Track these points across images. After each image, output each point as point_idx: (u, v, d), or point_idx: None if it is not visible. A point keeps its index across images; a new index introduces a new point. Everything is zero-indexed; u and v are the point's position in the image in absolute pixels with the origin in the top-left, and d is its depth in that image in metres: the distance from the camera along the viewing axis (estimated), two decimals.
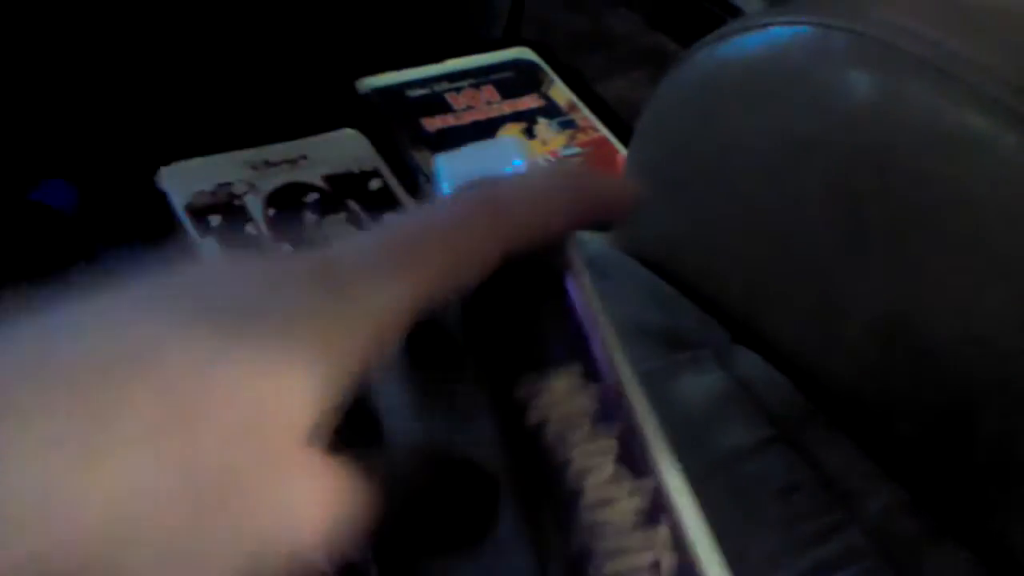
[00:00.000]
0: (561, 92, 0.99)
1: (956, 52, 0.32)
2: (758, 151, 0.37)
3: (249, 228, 0.79)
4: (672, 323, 0.41)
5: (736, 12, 1.08)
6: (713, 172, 0.40)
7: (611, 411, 0.21)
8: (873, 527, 0.34)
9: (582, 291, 0.23)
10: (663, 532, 0.19)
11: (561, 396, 0.21)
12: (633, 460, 0.20)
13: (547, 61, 1.03)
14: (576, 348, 0.22)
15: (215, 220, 0.79)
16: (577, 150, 0.93)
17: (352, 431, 0.21)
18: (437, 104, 0.95)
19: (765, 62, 0.36)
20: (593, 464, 0.20)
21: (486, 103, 0.96)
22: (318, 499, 0.19)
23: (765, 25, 0.36)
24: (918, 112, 0.32)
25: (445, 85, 0.97)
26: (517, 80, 1.00)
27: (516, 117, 0.95)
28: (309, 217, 0.81)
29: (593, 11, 1.15)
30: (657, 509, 0.20)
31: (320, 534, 0.19)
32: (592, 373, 0.21)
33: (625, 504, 0.20)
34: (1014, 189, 0.31)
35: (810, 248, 0.37)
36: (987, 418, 0.33)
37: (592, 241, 0.47)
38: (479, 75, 1.00)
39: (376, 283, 0.20)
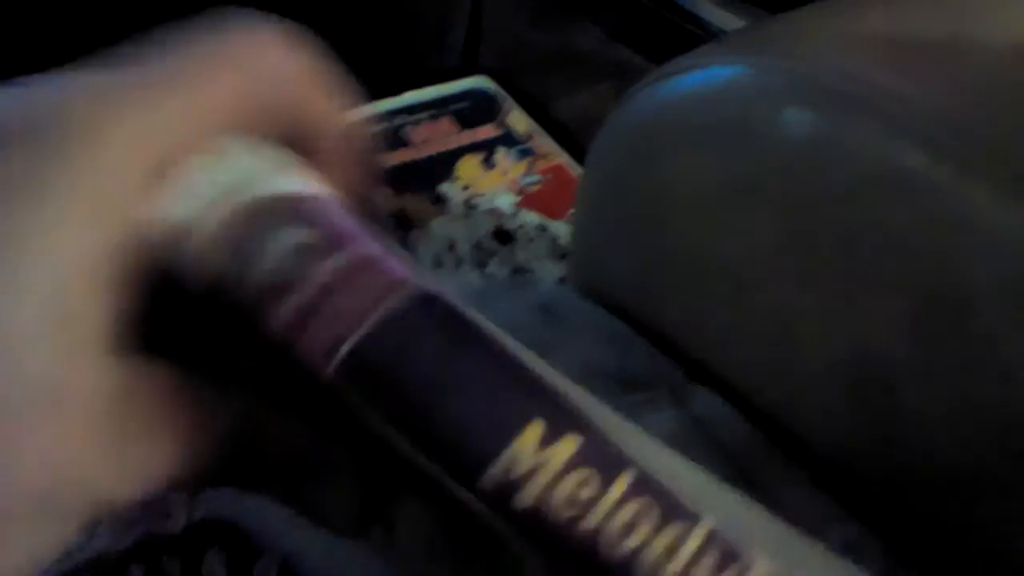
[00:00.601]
0: (519, 120, 0.99)
1: (890, 90, 0.32)
2: (702, 191, 0.37)
3: None
4: (626, 364, 0.41)
5: (697, 22, 1.08)
6: (660, 212, 0.40)
7: (610, 460, 0.19)
8: None
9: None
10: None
11: (541, 461, 0.19)
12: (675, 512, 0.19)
13: (505, 88, 1.03)
14: (532, 401, 0.20)
15: None
16: (537, 177, 0.93)
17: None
18: (395, 139, 0.95)
19: (704, 103, 0.36)
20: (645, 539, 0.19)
21: (444, 135, 0.96)
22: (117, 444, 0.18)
23: (703, 65, 0.36)
24: (853, 150, 0.32)
25: (402, 119, 0.97)
26: (475, 110, 1.00)
27: (474, 148, 0.95)
28: None
29: (556, 28, 1.15)
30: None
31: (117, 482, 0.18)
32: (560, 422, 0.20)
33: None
34: (947, 224, 0.31)
35: (760, 287, 0.36)
36: (952, 453, 0.33)
37: (544, 283, 0.47)
38: (437, 107, 0.99)
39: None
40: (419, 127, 0.97)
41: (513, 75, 1.07)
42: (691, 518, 0.19)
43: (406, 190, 0.89)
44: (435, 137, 0.96)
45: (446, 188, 0.90)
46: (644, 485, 0.19)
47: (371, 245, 0.20)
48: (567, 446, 0.19)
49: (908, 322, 0.31)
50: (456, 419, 0.19)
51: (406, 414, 0.19)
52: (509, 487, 0.19)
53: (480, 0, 1.07)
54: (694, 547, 0.19)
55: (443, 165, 0.93)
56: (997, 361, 0.29)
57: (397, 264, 0.20)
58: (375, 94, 0.99)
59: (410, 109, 0.98)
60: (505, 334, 0.21)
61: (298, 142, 0.22)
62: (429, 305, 0.20)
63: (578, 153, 0.96)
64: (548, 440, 0.19)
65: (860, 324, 0.33)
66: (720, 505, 0.21)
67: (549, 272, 0.82)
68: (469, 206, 0.89)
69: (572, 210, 0.87)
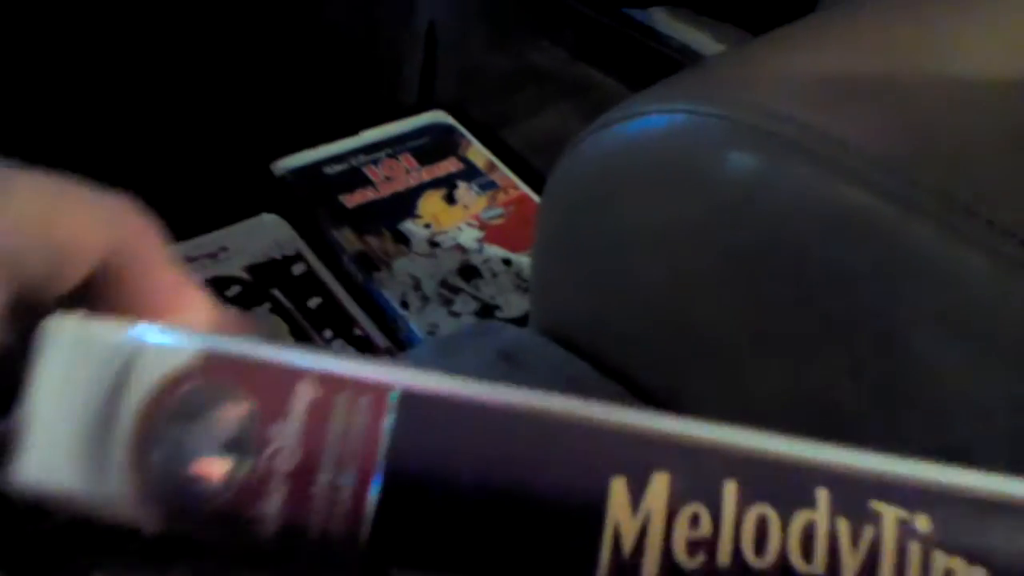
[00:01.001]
0: (479, 152, 1.00)
1: (827, 133, 0.32)
2: (650, 235, 0.37)
3: None
4: None
5: (657, 38, 1.09)
6: (610, 256, 0.40)
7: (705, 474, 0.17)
8: None
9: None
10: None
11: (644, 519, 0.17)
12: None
13: (462, 121, 1.04)
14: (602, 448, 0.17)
15: None
16: (500, 211, 0.93)
17: None
18: (356, 179, 0.95)
19: (645, 150, 0.37)
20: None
21: (405, 172, 0.96)
22: None
23: (641, 113, 0.37)
24: (794, 193, 0.32)
25: (362, 158, 0.97)
26: (434, 145, 1.00)
27: (436, 184, 0.95)
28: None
29: (515, 49, 1.16)
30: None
31: None
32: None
33: None
34: (896, 263, 0.31)
35: (712, 328, 0.37)
36: None
37: (506, 329, 0.47)
38: (395, 144, 1.00)
39: None
40: (379, 165, 0.97)
41: (474, 100, 1.07)
42: (802, 489, 0.17)
43: (368, 230, 0.89)
44: (396, 175, 0.96)
45: (409, 226, 0.90)
46: (749, 476, 0.17)
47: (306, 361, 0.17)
48: (661, 483, 0.17)
49: (852, 360, 0.31)
50: (532, 518, 0.16)
51: (468, 540, 0.16)
52: (628, 570, 0.16)
53: (433, 31, 1.08)
54: (824, 516, 0.17)
55: (405, 203, 0.93)
56: (935, 397, 0.29)
57: (339, 368, 0.18)
58: (333, 133, 0.99)
59: (368, 148, 0.98)
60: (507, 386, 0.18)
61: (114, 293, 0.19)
62: (420, 402, 0.17)
63: (538, 180, 0.96)
64: (637, 488, 0.17)
65: (810, 367, 0.33)
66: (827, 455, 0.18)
67: (516, 305, 0.82)
68: (433, 243, 0.89)
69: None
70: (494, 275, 0.86)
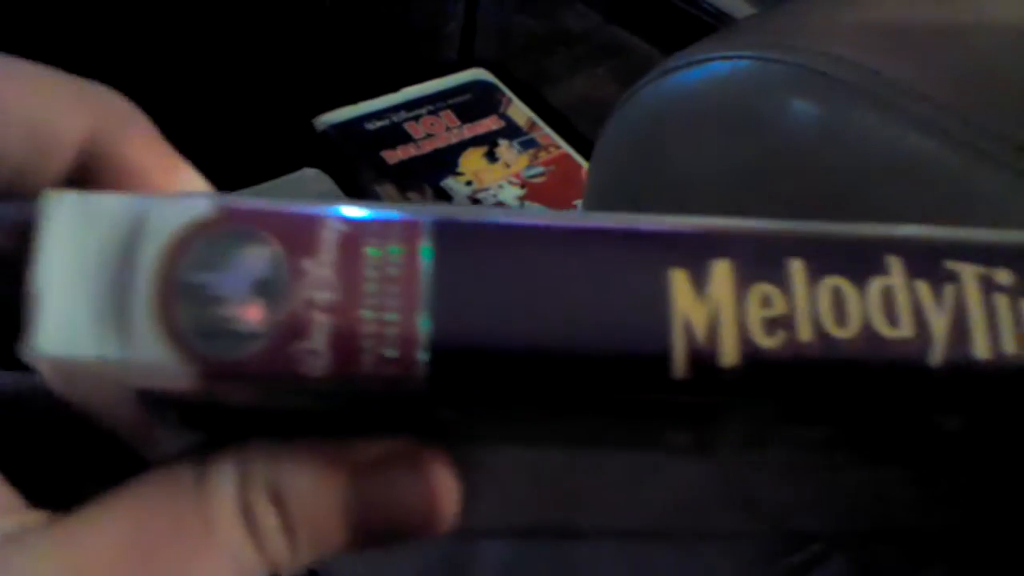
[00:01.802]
0: (520, 111, 0.99)
1: (893, 79, 0.32)
2: (708, 185, 0.37)
3: None
4: None
5: (691, 0, 1.08)
6: (668, 208, 0.40)
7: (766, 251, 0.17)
8: None
9: None
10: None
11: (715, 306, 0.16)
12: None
13: (503, 80, 1.03)
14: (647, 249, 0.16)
15: None
16: (541, 169, 0.93)
17: None
18: (397, 135, 0.95)
19: (708, 97, 0.36)
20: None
21: (446, 129, 0.96)
22: None
23: (704, 60, 0.36)
24: (860, 140, 0.32)
25: (403, 114, 0.97)
26: (475, 103, 1.00)
27: (476, 141, 0.95)
28: None
29: (548, 11, 1.15)
30: None
31: None
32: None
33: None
34: (959, 209, 0.31)
35: None
36: None
37: None
38: (437, 101, 0.99)
39: None
40: (420, 122, 0.97)
41: (510, 63, 1.07)
42: (871, 259, 0.16)
43: (409, 186, 0.89)
44: (436, 131, 0.96)
45: (450, 183, 0.90)
46: (813, 253, 0.17)
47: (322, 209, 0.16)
48: (722, 270, 0.16)
49: None
50: (594, 325, 0.16)
51: (534, 360, 0.15)
52: (707, 357, 0.16)
53: None
54: (902, 281, 0.16)
55: (446, 160, 0.93)
56: None
57: (364, 210, 0.16)
58: (374, 90, 0.99)
59: (409, 104, 0.98)
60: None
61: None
62: (456, 231, 0.16)
63: (579, 140, 0.96)
64: (699, 278, 0.16)
65: None
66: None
67: None
68: (474, 200, 0.89)
69: (578, 202, 0.87)
70: None
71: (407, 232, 0.16)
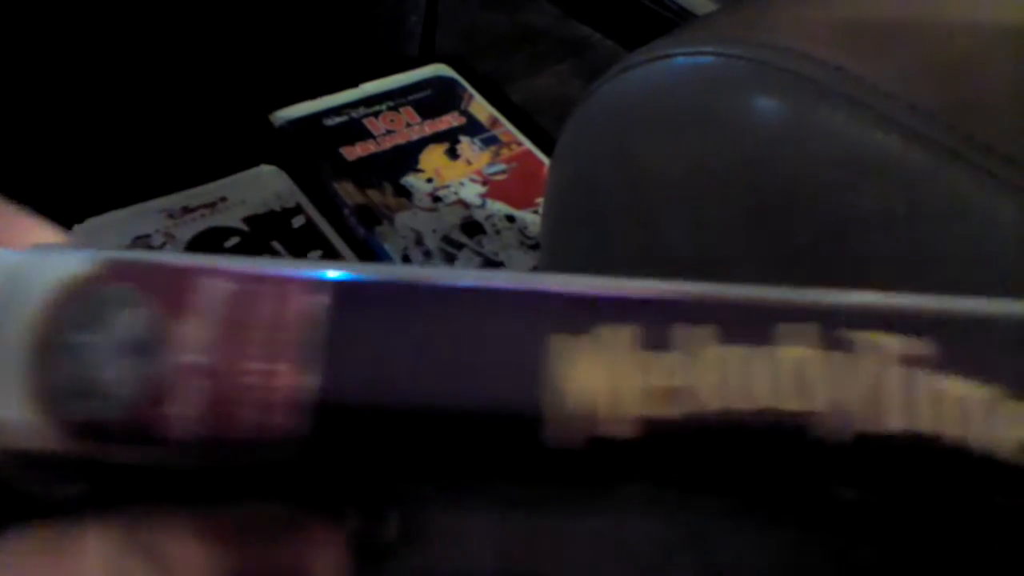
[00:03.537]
0: (482, 107, 0.98)
1: (859, 76, 0.31)
2: (671, 183, 0.36)
3: None
4: None
5: None
6: (628, 205, 0.39)
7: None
8: None
9: None
10: None
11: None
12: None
13: (465, 76, 1.02)
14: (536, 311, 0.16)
15: None
16: (503, 167, 0.92)
17: None
18: (356, 131, 0.93)
19: (669, 94, 0.35)
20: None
21: (406, 126, 0.95)
22: None
23: (666, 56, 0.35)
24: (825, 138, 0.31)
25: (363, 110, 0.96)
26: (436, 99, 0.99)
27: (438, 138, 0.94)
28: None
29: (510, 7, 1.14)
30: None
31: None
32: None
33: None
34: (927, 204, 0.30)
35: (734, 277, 0.36)
36: None
37: None
38: (397, 97, 0.98)
39: None
40: (379, 118, 0.95)
41: (471, 59, 1.05)
42: (775, 327, 0.16)
43: (369, 184, 0.88)
44: (397, 128, 0.94)
45: (410, 180, 0.89)
46: (721, 319, 0.16)
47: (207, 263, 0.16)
48: (614, 335, 0.15)
49: None
50: (473, 387, 0.15)
51: (413, 426, 0.15)
52: (582, 424, 0.15)
53: None
54: (809, 353, 0.15)
55: (406, 156, 0.91)
56: None
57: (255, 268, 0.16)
58: (333, 85, 0.97)
59: (369, 100, 0.97)
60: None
61: None
62: (363, 292, 0.16)
63: (542, 137, 0.95)
64: (583, 343, 0.15)
65: None
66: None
67: (520, 262, 0.81)
68: (435, 198, 0.87)
69: (540, 199, 0.86)
70: (497, 231, 0.85)
71: (304, 289, 0.15)
